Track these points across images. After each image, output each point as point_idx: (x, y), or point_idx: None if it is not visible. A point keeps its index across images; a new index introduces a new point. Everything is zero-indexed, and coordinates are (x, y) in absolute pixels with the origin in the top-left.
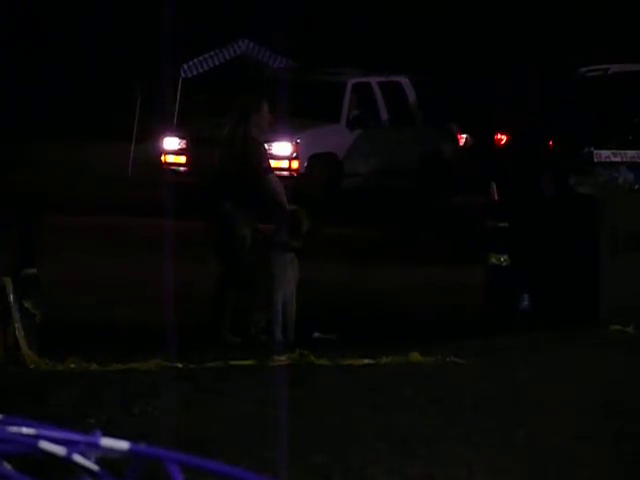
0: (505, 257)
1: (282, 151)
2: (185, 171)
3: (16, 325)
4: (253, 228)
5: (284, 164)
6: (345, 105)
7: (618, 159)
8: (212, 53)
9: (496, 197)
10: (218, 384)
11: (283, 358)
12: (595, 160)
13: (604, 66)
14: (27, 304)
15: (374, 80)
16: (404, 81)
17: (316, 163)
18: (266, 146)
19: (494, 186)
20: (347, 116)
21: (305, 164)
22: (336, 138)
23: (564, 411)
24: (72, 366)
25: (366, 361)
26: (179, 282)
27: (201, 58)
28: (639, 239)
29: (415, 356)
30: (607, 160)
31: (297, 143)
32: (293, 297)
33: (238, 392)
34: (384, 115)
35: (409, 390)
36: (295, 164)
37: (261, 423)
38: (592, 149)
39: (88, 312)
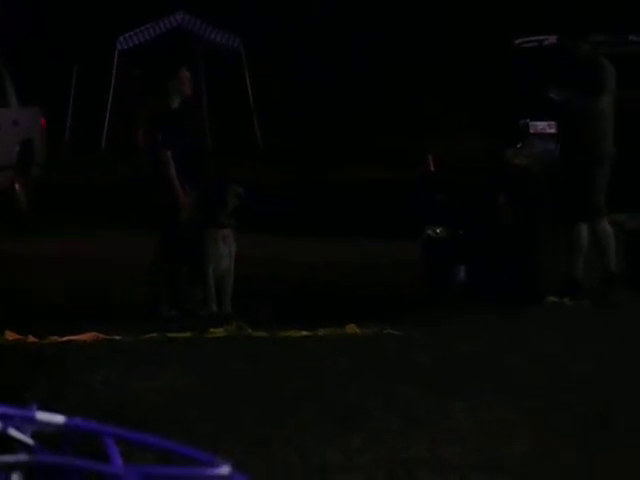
0: (440, 229)
1: None
2: None
3: None
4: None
5: None
6: None
7: (554, 131)
8: (148, 25)
9: (432, 169)
10: (156, 356)
11: (220, 330)
12: (531, 131)
13: (540, 37)
14: None
15: None
16: None
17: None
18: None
19: (430, 158)
20: None
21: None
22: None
23: (501, 382)
24: (9, 339)
25: (303, 333)
26: (114, 256)
27: (137, 30)
28: None
29: (352, 328)
30: (543, 132)
31: None
32: (230, 271)
33: (176, 365)
34: None
35: (347, 362)
36: None
37: (199, 396)
38: (528, 121)
39: (24, 285)
